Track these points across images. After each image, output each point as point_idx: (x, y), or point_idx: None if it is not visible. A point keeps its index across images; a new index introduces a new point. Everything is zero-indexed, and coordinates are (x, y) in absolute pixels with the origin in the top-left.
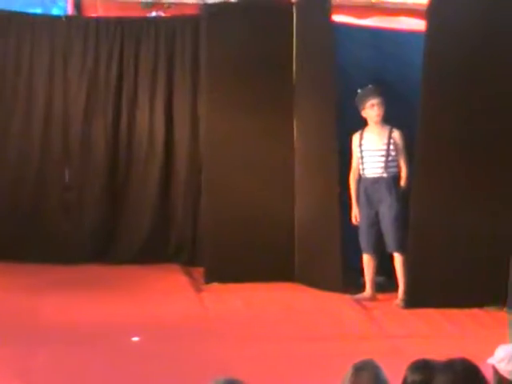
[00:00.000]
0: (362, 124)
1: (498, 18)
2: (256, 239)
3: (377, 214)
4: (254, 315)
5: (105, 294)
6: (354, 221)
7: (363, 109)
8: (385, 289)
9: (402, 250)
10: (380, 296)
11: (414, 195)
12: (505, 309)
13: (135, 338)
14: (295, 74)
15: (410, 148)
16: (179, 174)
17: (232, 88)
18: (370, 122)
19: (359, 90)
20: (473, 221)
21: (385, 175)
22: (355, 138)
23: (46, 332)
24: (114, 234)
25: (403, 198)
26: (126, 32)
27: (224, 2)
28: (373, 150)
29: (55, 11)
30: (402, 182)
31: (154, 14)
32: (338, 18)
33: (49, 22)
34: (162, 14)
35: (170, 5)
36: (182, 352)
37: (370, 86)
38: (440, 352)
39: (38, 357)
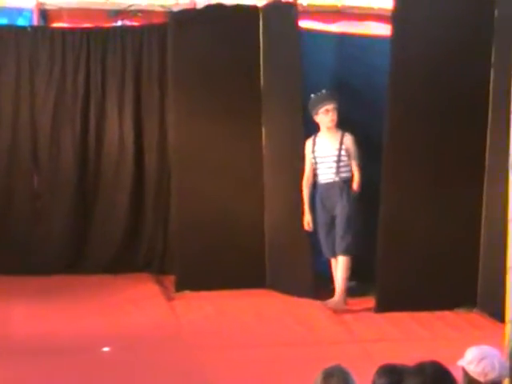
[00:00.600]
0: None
1: (463, 22)
2: (226, 246)
3: (333, 219)
4: (225, 322)
5: (75, 303)
6: (306, 227)
7: (316, 114)
8: (356, 293)
9: (348, 253)
10: (351, 301)
11: (383, 199)
12: (475, 310)
13: (106, 348)
14: (263, 79)
15: (377, 151)
16: (149, 182)
17: (200, 94)
18: (322, 127)
19: (312, 95)
20: (442, 224)
21: (337, 179)
22: (308, 143)
23: (15, 343)
24: (85, 243)
25: (355, 202)
26: (92, 41)
27: (190, 9)
28: (326, 156)
29: (21, 21)
30: (354, 186)
31: (120, 22)
32: (304, 23)
33: (14, 32)
34: (129, 23)
35: (136, 13)
36: (154, 361)
37: (323, 90)
38: (411, 355)
39: (7, 368)
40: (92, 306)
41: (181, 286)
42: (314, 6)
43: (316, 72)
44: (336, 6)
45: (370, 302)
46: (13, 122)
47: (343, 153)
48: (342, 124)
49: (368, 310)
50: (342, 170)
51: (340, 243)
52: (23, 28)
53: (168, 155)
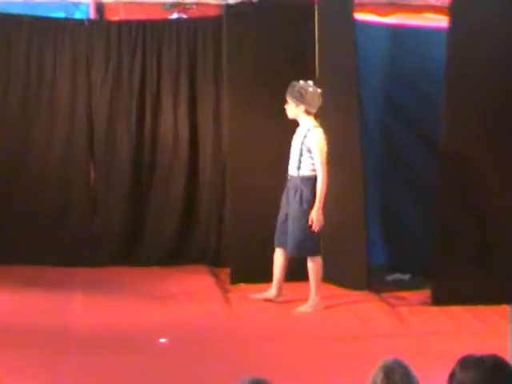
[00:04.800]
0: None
1: None
2: None
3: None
4: (280, 315)
5: (131, 295)
6: None
7: None
8: (411, 286)
9: (295, 254)
10: (406, 293)
11: (438, 194)
12: None
13: (162, 340)
14: (318, 72)
15: (433, 145)
16: (203, 175)
17: (254, 88)
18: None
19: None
20: (500, 219)
21: (295, 175)
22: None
23: (75, 334)
24: (140, 236)
25: (309, 202)
26: (147, 34)
27: (245, 2)
28: (293, 149)
29: (78, 15)
30: (318, 187)
31: (175, 15)
32: (359, 16)
33: (71, 26)
34: (184, 16)
35: (191, 6)
36: (208, 353)
37: (301, 81)
38: (467, 349)
39: (67, 358)
40: (147, 297)
41: (236, 279)
42: None
43: (371, 64)
44: None
45: (425, 294)
46: (70, 115)
47: (304, 148)
48: (396, 116)
49: (424, 303)
50: (303, 166)
51: (288, 245)
52: (80, 22)
53: (223, 150)
